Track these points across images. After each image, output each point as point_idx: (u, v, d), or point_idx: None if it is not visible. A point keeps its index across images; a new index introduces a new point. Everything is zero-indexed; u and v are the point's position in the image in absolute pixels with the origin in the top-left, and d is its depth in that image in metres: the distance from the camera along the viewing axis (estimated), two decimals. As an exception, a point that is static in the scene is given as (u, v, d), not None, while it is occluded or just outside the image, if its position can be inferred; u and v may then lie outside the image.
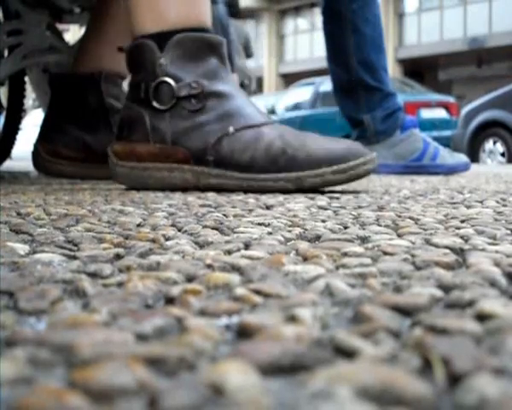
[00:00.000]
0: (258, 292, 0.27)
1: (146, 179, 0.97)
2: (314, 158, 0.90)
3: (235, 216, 0.58)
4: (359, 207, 0.69)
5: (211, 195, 0.87)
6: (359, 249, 0.38)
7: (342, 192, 0.94)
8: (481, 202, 0.78)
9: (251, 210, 0.64)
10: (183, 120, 0.95)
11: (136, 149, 0.98)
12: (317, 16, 13.60)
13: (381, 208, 0.67)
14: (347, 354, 0.20)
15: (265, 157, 0.92)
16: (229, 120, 0.94)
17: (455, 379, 0.17)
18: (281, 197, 0.83)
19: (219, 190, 0.94)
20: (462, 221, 0.54)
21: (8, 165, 2.30)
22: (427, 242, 0.42)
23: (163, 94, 0.95)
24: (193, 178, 0.95)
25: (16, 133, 1.97)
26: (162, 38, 0.95)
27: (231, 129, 0.93)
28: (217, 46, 0.98)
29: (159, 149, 0.96)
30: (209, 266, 0.33)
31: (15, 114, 1.94)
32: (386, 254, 0.37)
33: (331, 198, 0.82)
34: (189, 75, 0.95)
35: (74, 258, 0.36)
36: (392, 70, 12.81)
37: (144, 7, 0.97)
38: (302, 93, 7.79)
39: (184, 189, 0.97)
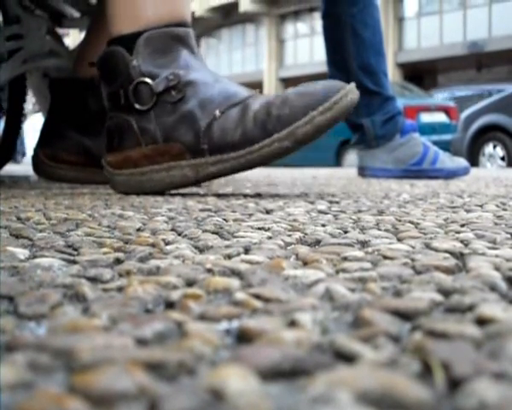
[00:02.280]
0: (258, 297, 0.27)
1: (145, 183, 0.97)
2: (298, 108, 0.90)
3: (234, 220, 0.58)
4: (359, 211, 0.69)
5: (210, 199, 0.87)
6: (359, 254, 0.38)
7: (342, 196, 0.94)
8: (481, 206, 0.78)
9: (251, 214, 0.64)
10: (169, 114, 0.95)
11: (129, 155, 0.98)
12: (317, 20, 13.62)
13: (380, 213, 0.67)
14: (347, 358, 0.20)
15: (254, 127, 0.91)
16: (212, 104, 0.94)
17: (455, 384, 0.17)
18: (281, 202, 0.83)
19: (219, 194, 0.94)
20: (462, 225, 0.54)
21: (9, 169, 2.30)
22: (427, 246, 0.42)
23: (143, 94, 0.96)
24: (192, 172, 0.95)
25: (16, 138, 1.97)
26: (130, 40, 0.96)
27: (217, 112, 0.93)
28: (184, 37, 0.98)
29: (152, 150, 0.96)
30: (209, 271, 0.33)
31: (15, 118, 1.94)
32: (386, 258, 0.37)
33: (331, 202, 0.82)
34: (164, 70, 0.96)
35: (74, 262, 0.36)
36: (392, 74, 12.83)
37: (120, 8, 0.98)
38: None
39: (183, 187, 0.97)
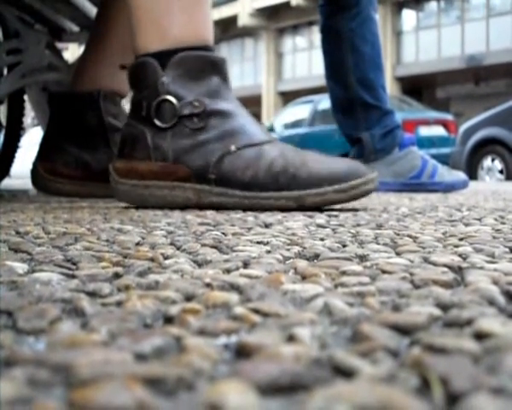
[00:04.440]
0: (256, 311, 0.27)
1: (147, 197, 0.98)
2: (315, 177, 0.90)
3: (233, 234, 0.58)
4: (358, 225, 0.69)
5: (210, 213, 0.87)
6: (358, 268, 0.38)
7: (341, 210, 0.94)
8: (480, 219, 0.78)
9: (250, 228, 0.64)
10: (185, 138, 0.95)
11: (137, 166, 0.98)
12: (316, 34, 13.66)
13: (379, 226, 0.67)
14: (346, 373, 0.20)
15: (267, 175, 0.92)
16: (230, 138, 0.94)
17: (453, 399, 0.17)
18: (279, 215, 0.83)
19: (218, 208, 0.94)
20: (461, 239, 0.54)
21: (7, 183, 2.30)
22: (426, 260, 0.42)
23: (165, 112, 0.96)
24: (194, 196, 0.95)
25: (15, 151, 1.97)
26: (164, 57, 0.96)
27: (233, 147, 0.94)
28: (218, 64, 0.98)
29: (160, 167, 0.96)
30: (208, 285, 0.33)
31: (14, 132, 1.95)
32: (384, 272, 0.37)
33: (330, 216, 0.82)
34: (191, 93, 0.96)
35: (73, 277, 0.36)
36: (391, 88, 12.85)
37: (147, 25, 0.98)
38: (301, 111, 7.81)
39: (183, 207, 0.97)
